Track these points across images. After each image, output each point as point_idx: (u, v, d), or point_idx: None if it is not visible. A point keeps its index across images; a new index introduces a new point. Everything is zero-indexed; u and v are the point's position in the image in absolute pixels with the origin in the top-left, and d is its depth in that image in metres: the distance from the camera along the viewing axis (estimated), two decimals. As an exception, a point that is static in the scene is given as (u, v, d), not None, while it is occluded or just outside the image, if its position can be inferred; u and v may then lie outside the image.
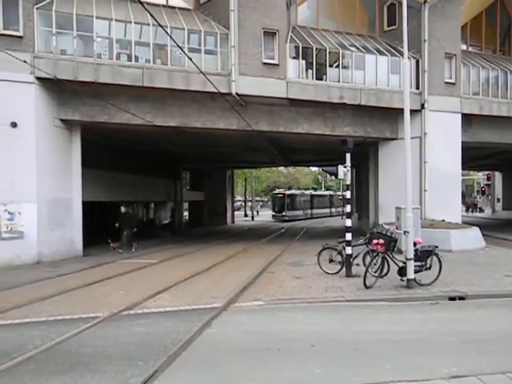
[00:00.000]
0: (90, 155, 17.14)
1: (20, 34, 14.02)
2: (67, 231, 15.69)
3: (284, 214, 44.58)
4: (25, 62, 12.23)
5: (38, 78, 14.25)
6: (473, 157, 26.12)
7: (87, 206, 16.72)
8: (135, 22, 15.23)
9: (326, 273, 11.01)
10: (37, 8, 14.25)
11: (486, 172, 48.24)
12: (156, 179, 27.53)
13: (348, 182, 10.89)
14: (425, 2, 18.25)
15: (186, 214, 35.95)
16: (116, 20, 15.12)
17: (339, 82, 17.59)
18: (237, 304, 8.22)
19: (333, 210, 59.06)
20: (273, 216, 45.66)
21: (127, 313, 7.58)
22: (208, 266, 13.10)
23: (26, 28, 14.08)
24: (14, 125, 13.93)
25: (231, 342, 5.95)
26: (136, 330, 6.57)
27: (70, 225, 15.84)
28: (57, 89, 14.82)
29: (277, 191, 48.64)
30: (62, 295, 9.16)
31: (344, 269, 10.77)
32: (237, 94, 16.08)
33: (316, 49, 17.47)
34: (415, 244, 9.41)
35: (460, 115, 19.29)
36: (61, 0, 15.02)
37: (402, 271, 9.42)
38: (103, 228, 20.53)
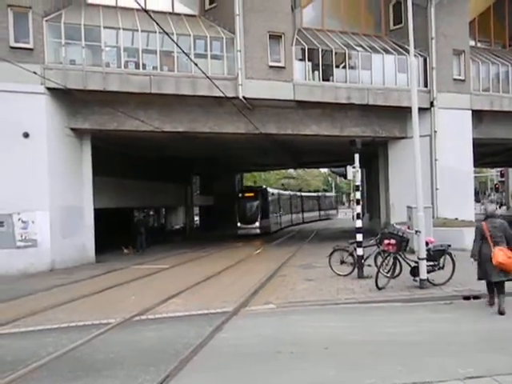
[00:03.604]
0: (100, 163, 17.30)
1: (30, 46, 14.26)
2: (79, 238, 15.84)
3: (257, 224, 29.25)
4: (35, 73, 12.41)
5: (49, 89, 14.46)
6: (485, 153, 25.76)
7: (98, 213, 16.87)
8: (142, 31, 15.39)
9: (338, 274, 10.94)
10: (46, 20, 14.49)
11: (500, 169, 47.53)
12: (166, 184, 27.67)
13: (357, 183, 10.82)
14: (431, 0, 18.10)
15: (196, 218, 36.06)
16: (123, 29, 15.30)
17: (346, 82, 17.52)
18: (248, 308, 8.20)
19: (321, 213, 52.51)
20: (238, 229, 29.11)
21: (139, 318, 7.60)
22: (219, 270, 13.11)
23: (36, 40, 14.32)
24: (26, 135, 14.14)
25: (243, 346, 5.94)
26: (148, 336, 6.59)
27: (82, 232, 15.99)
28: (67, 98, 15.01)
29: (244, 189, 34.69)
30: (75, 302, 9.24)
31: (355, 270, 10.69)
32: (244, 97, 16.12)
33: (322, 50, 17.44)
34: (427, 243, 9.29)
35: (470, 112, 19.06)
36: (69, 12, 15.28)
37: (414, 271, 9.30)
38: (114, 234, 20.68)
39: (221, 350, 5.77)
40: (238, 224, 29.49)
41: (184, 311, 8.00)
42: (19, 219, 14.18)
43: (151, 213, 28.22)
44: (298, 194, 45.44)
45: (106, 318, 7.54)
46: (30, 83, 13.69)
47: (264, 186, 36.52)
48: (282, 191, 39.48)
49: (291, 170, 58.19)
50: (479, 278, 7.60)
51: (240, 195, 30.94)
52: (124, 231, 21.29)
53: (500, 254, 6.99)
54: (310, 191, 56.58)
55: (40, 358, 5.48)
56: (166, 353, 5.61)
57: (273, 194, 34.12)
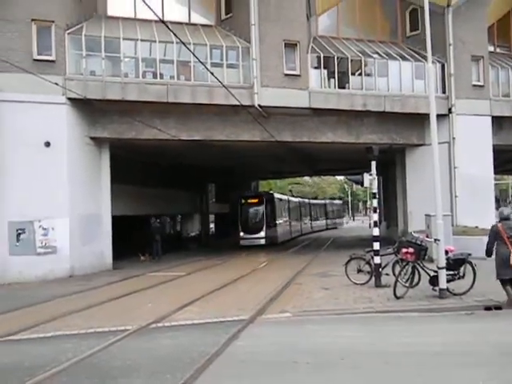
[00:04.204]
0: (118, 170, 17.56)
1: (52, 58, 14.65)
2: (97, 245, 16.06)
3: (262, 234, 26.15)
4: (57, 84, 12.74)
5: (70, 99, 14.79)
6: (506, 160, 25.23)
7: (115, 220, 17.09)
8: (160, 41, 15.67)
9: (354, 283, 10.81)
10: (68, 33, 14.88)
11: (522, 176, 46.45)
12: (182, 192, 27.89)
13: (374, 190, 10.73)
14: (448, 6, 17.97)
15: (211, 225, 36.16)
16: (142, 40, 15.61)
17: (362, 89, 17.48)
18: (264, 316, 8.16)
19: (328, 221, 49.73)
20: (241, 240, 26.14)
21: (155, 325, 7.64)
22: (235, 277, 13.11)
23: (58, 52, 14.70)
24: (47, 144, 14.48)
25: (259, 355, 5.90)
26: (164, 343, 6.61)
27: (100, 239, 16.21)
28: (87, 108, 15.33)
29: (246, 194, 29.60)
30: (93, 308, 9.34)
31: (373, 279, 10.55)
32: (259, 105, 16.21)
33: (337, 58, 17.44)
34: (447, 252, 9.12)
35: (490, 118, 18.76)
36: (90, 24, 15.66)
37: (433, 280, 9.13)
38: (130, 241, 20.88)
39: (237, 359, 5.74)
40: (241, 234, 26.28)
41: (200, 319, 8.01)
42: (40, 226, 14.47)
43: (167, 220, 28.41)
44: (307, 200, 42.62)
45: (123, 324, 7.59)
46: (51, 94, 14.01)
47: (271, 191, 33.54)
48: (291, 197, 36.54)
49: (307, 178, 57.95)
50: (498, 276, 8.08)
51: (242, 201, 27.26)
52: (140, 238, 21.48)
53: None
54: (324, 198, 55.96)
55: (59, 363, 5.53)
56: (181, 361, 5.62)
57: (281, 200, 31.35)
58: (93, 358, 5.87)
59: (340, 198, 60.07)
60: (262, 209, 26.85)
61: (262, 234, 26.18)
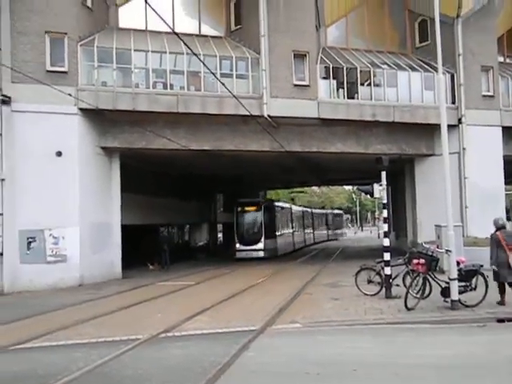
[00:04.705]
0: (128, 180, 17.69)
1: (65, 69, 14.89)
2: (107, 254, 16.13)
3: (260, 246, 23.71)
4: (70, 95, 12.94)
5: (81, 109, 14.99)
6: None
7: (124, 229, 17.18)
8: (170, 52, 15.87)
9: (365, 294, 10.73)
10: (80, 45, 15.13)
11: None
12: (191, 202, 27.98)
13: (385, 201, 10.70)
14: (457, 17, 18.03)
15: (220, 235, 36.14)
16: (152, 51, 15.83)
17: (371, 99, 17.52)
18: (274, 326, 8.13)
19: (330, 232, 47.51)
20: (236, 252, 23.93)
21: (165, 335, 7.65)
22: (244, 287, 13.08)
23: (71, 64, 14.95)
24: (59, 154, 14.65)
25: (270, 366, 5.88)
26: (175, 353, 6.62)
27: (110, 248, 16.29)
28: (98, 118, 15.52)
29: (243, 200, 25.80)
30: (103, 317, 9.37)
31: (383, 290, 10.47)
32: (269, 116, 16.31)
33: (347, 68, 17.53)
34: (458, 263, 9.04)
35: (500, 128, 18.68)
36: (102, 36, 15.93)
37: (445, 292, 9.04)
38: (139, 250, 20.93)
39: (248, 369, 5.72)
40: (237, 245, 23.75)
41: (210, 329, 8.00)
42: (50, 235, 14.58)
43: (171, 230, 28.14)
44: (309, 210, 40.48)
45: (133, 334, 7.61)
46: (64, 104, 14.23)
47: (272, 199, 31.85)
48: (294, 206, 34.67)
49: (315, 188, 57.84)
50: (495, 280, 8.87)
51: (238, 209, 24.62)
52: (148, 248, 21.54)
53: None
54: (332, 208, 55.52)
55: (71, 372, 5.56)
56: (192, 371, 5.61)
57: (282, 208, 29.12)
58: (104, 367, 5.88)
59: (349, 208, 59.36)
60: (260, 217, 24.20)
61: (260, 245, 23.62)
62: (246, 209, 24.58)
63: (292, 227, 30.72)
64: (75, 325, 8.60)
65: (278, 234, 25.96)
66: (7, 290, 13.73)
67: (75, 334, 7.83)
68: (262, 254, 23.53)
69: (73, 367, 5.79)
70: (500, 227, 9.14)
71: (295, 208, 34.28)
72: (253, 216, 24.40)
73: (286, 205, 31.86)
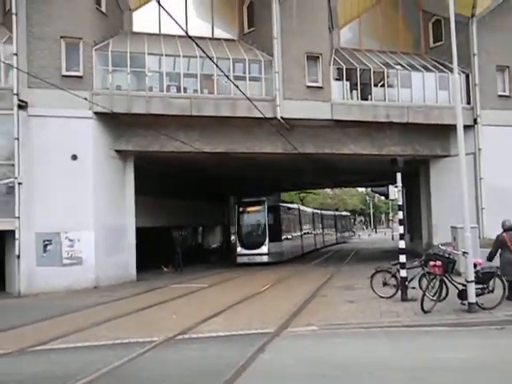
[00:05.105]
0: (141, 182, 17.82)
1: (80, 74, 15.11)
2: (122, 256, 16.28)
3: (264, 249, 21.60)
4: (85, 99, 13.11)
5: (96, 113, 15.18)
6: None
7: (138, 232, 17.30)
8: (183, 56, 15.99)
9: (380, 297, 10.63)
10: (95, 49, 15.33)
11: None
12: (204, 204, 28.08)
13: (400, 203, 10.60)
14: (472, 16, 17.83)
15: (233, 237, 36.19)
16: (166, 55, 15.97)
17: (385, 100, 17.42)
18: (289, 329, 8.09)
19: (338, 235, 45.22)
20: (237, 256, 22.00)
21: (181, 337, 7.67)
22: (258, 289, 13.08)
23: (86, 68, 15.16)
24: (74, 157, 14.85)
25: (286, 368, 5.86)
26: (191, 355, 6.64)
27: (125, 250, 16.43)
28: (112, 122, 15.69)
29: (247, 199, 23.16)
30: (119, 319, 9.45)
31: (399, 292, 10.36)
32: (282, 118, 16.31)
33: (360, 69, 17.45)
34: (475, 265, 8.92)
35: (517, 128, 18.37)
36: (116, 40, 16.12)
37: (462, 294, 8.92)
38: (153, 253, 21.06)
39: (265, 372, 5.72)
40: (238, 249, 21.86)
41: (225, 331, 8.00)
42: (66, 237, 14.78)
43: (184, 233, 27.99)
44: (318, 211, 38.36)
45: (149, 336, 7.65)
46: (79, 108, 14.42)
47: (277, 198, 28.35)
48: (302, 206, 32.88)
49: (327, 190, 57.57)
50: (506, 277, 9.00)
51: (240, 208, 22.57)
52: (162, 250, 21.67)
53: None
54: (346, 210, 54.93)
55: (89, 373, 5.61)
56: (209, 373, 5.63)
57: (289, 208, 26.99)
58: (121, 369, 5.93)
59: (362, 210, 58.83)
60: (263, 218, 22.11)
61: (264, 249, 21.54)
62: (249, 209, 22.49)
63: (300, 229, 28.66)
64: (91, 327, 8.68)
65: (284, 236, 23.98)
66: (24, 291, 13.94)
67: (92, 336, 7.91)
68: (266, 258, 21.54)
69: (91, 369, 5.84)
70: (507, 229, 9.43)
71: (303, 209, 32.44)
72: (256, 217, 22.36)
73: (294, 205, 29.89)
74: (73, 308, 10.93)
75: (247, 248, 21.77)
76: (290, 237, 25.40)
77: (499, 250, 9.35)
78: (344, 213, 54.22)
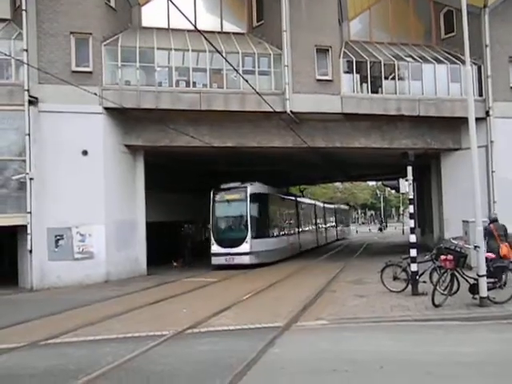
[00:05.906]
0: (151, 177, 17.89)
1: (90, 69, 15.16)
2: (132, 251, 16.40)
3: (247, 248, 17.92)
4: (95, 94, 13.16)
5: (106, 108, 15.24)
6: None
7: (148, 226, 17.38)
8: (193, 50, 15.97)
9: (391, 291, 10.58)
10: (104, 45, 15.36)
11: None
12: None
13: (411, 196, 10.51)
14: (485, 7, 17.50)
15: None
16: (175, 49, 15.95)
17: (396, 93, 17.23)
18: (299, 323, 8.11)
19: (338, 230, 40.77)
20: (212, 256, 18.37)
21: (192, 331, 7.72)
22: (267, 284, 13.08)
23: (95, 64, 15.21)
24: (85, 153, 14.95)
25: (296, 363, 5.87)
26: (201, 349, 6.67)
27: (135, 245, 16.55)
28: (122, 117, 15.75)
29: (226, 185, 19.02)
30: (130, 313, 9.53)
31: (409, 287, 10.30)
32: (291, 111, 16.22)
33: (370, 62, 17.26)
34: (487, 259, 8.83)
35: (529, 121, 18.06)
36: (125, 35, 16.14)
37: (473, 289, 8.85)
38: (163, 247, 21.17)
39: (275, 366, 5.73)
40: (213, 247, 18.18)
41: (235, 325, 8.04)
42: (77, 232, 14.91)
43: (194, 227, 27.93)
44: (321, 204, 34.80)
45: (159, 330, 7.71)
46: (89, 104, 14.48)
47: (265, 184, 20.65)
48: (300, 198, 29.05)
49: (338, 184, 57.30)
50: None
51: (217, 196, 18.60)
52: (172, 244, 21.76)
53: (504, 249, 9.80)
54: (356, 204, 54.31)
55: (101, 367, 5.67)
56: (219, 367, 5.65)
57: (282, 198, 22.87)
58: (132, 363, 5.99)
59: (373, 204, 58.12)
60: (245, 209, 18.24)
61: (245, 247, 17.78)
62: (227, 197, 18.49)
63: (298, 224, 25.25)
64: (103, 320, 8.77)
65: (273, 232, 20.37)
66: (36, 286, 14.12)
67: (103, 330, 7.99)
68: (247, 259, 17.70)
69: (102, 362, 5.91)
70: (493, 220, 10.68)
71: (302, 200, 28.53)
72: (235, 207, 18.42)
73: (290, 196, 26.05)
74: (84, 302, 11.05)
75: (224, 246, 18.04)
76: (281, 233, 21.86)
77: (486, 239, 9.75)
78: (342, 206, 49.91)
